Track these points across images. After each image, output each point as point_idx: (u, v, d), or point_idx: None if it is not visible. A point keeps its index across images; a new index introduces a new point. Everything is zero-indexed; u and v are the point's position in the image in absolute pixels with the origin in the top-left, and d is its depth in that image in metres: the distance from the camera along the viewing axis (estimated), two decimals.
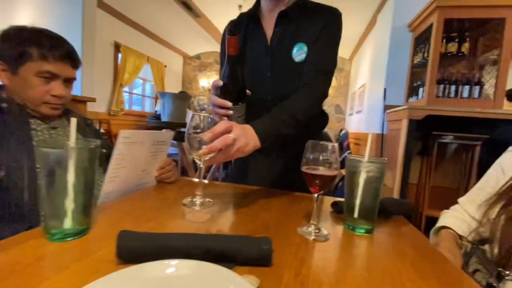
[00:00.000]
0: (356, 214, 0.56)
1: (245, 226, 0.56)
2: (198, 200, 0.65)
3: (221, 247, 0.37)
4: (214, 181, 0.99)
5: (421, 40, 2.52)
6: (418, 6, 2.46)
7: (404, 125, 2.29)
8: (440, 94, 2.28)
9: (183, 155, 2.14)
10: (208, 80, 6.94)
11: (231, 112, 0.72)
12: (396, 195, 2.31)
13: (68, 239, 0.44)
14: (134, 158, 0.67)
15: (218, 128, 0.55)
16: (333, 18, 0.83)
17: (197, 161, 0.59)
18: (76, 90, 3.27)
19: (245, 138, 0.60)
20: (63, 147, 0.42)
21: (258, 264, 0.39)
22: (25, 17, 3.47)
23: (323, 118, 0.96)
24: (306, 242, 0.50)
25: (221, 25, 4.97)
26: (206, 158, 0.56)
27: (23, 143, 0.67)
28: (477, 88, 2.20)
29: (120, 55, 4.70)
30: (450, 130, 2.26)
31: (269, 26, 0.86)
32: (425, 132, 2.41)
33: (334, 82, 6.31)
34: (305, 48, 0.80)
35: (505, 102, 2.27)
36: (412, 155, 2.41)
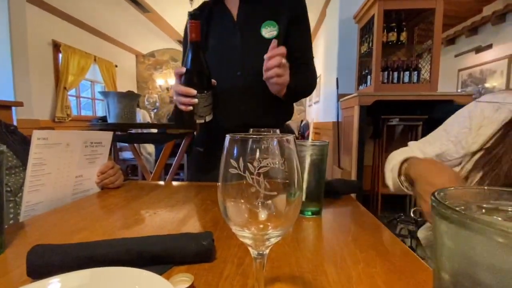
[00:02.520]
0: (303, 198, 0.57)
1: (193, 224, 0.53)
2: None
3: (155, 249, 0.35)
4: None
5: (366, 31, 2.67)
6: None
7: (356, 112, 2.44)
8: (385, 81, 2.45)
9: (137, 159, 2.02)
10: (165, 78, 6.64)
11: (195, 100, 0.68)
12: (353, 177, 2.45)
13: None
14: (60, 162, 0.60)
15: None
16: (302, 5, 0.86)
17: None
18: (8, 95, 2.89)
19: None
20: None
21: (199, 261, 0.37)
22: None
23: (292, 109, 0.98)
24: None
25: (173, 20, 4.76)
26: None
27: None
28: (415, 73, 2.41)
29: (60, 55, 4.26)
30: (396, 113, 2.46)
31: (233, 5, 0.86)
32: (375, 116, 2.58)
33: None
34: (276, 26, 0.82)
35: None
36: (365, 139, 2.58)
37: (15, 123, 2.59)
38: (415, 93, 2.31)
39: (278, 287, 0.32)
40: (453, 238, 0.11)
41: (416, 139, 2.95)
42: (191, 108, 0.69)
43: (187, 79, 0.67)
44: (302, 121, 5.33)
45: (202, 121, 0.73)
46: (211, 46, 0.87)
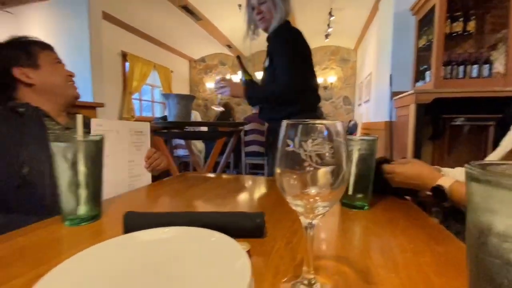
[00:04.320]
0: (350, 191, 0.58)
1: (245, 208, 0.59)
2: None
3: (217, 222, 0.41)
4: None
5: (425, 22, 2.46)
6: None
7: (412, 111, 2.26)
8: (448, 76, 2.22)
9: (191, 155, 2.20)
10: (214, 82, 7.01)
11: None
12: None
13: (82, 224, 0.48)
14: (115, 146, 0.71)
15: (221, 78, 1.34)
16: (275, 36, 1.28)
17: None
18: (88, 98, 3.40)
19: (233, 86, 1.30)
20: (73, 141, 0.47)
21: (252, 236, 0.42)
22: (36, 36, 3.63)
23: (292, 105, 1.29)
24: None
25: (222, 26, 5.02)
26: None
27: (41, 141, 0.73)
28: (486, 67, 2.13)
29: (127, 64, 4.85)
30: (461, 112, 2.21)
31: None
32: (434, 116, 2.36)
33: (340, 73, 6.24)
34: (268, 58, 1.32)
35: None
36: (423, 141, 2.37)
37: None
38: (486, 89, 2.04)
39: (323, 262, 0.35)
40: (482, 196, 0.13)
41: (486, 141, 2.62)
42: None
43: (242, 83, 1.33)
44: (350, 121, 5.11)
45: None
46: None
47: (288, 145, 0.25)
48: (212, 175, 1.03)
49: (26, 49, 0.83)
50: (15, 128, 0.75)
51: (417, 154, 2.27)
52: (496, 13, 2.20)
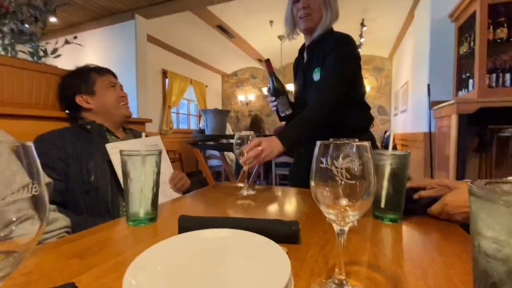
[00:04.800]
0: (383, 205, 0.60)
1: (280, 217, 0.64)
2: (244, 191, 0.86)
3: (257, 227, 0.46)
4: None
5: (466, 29, 2.35)
6: None
7: (453, 121, 2.14)
8: (493, 84, 2.08)
9: (224, 164, 2.31)
10: (246, 95, 7.24)
11: (275, 102, 1.08)
12: None
13: (142, 224, 0.57)
14: None
15: (251, 144, 0.84)
16: (336, 44, 1.02)
17: (243, 166, 0.86)
18: (133, 113, 3.74)
19: (270, 147, 0.86)
20: (138, 155, 0.56)
21: (288, 242, 0.47)
22: (92, 59, 4.13)
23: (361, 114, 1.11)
24: (333, 228, 0.56)
25: (254, 42, 5.23)
26: (246, 164, 0.84)
27: (105, 154, 0.86)
28: None
29: (167, 80, 5.24)
30: (509, 122, 2.04)
31: (306, 53, 1.16)
32: (480, 126, 2.20)
33: (374, 82, 6.07)
34: (320, 70, 1.06)
35: None
36: (468, 153, 2.22)
37: None
38: None
39: (355, 268, 0.39)
40: (476, 207, 0.17)
41: None
42: (275, 108, 1.10)
43: (270, 91, 1.11)
44: (386, 131, 4.91)
45: (283, 114, 1.09)
46: (296, 81, 1.20)
47: (322, 162, 0.30)
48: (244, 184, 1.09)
49: (85, 78, 0.99)
50: (84, 142, 0.89)
51: (461, 167, 2.13)
52: None
